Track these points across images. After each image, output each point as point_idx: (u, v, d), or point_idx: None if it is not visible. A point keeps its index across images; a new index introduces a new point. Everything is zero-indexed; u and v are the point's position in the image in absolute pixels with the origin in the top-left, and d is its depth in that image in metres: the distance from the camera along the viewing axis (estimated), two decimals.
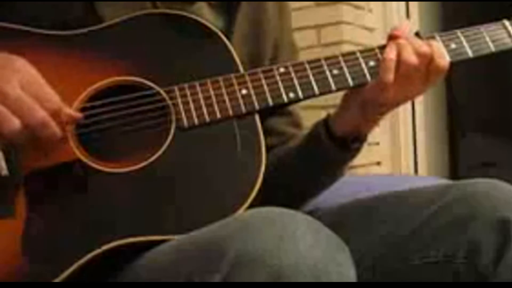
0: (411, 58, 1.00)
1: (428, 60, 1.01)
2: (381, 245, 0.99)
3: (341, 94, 1.07)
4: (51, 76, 0.91)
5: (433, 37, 1.05)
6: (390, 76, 1.00)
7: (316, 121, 1.11)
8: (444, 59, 1.02)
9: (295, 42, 1.24)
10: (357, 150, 1.09)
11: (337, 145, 1.07)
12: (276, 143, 1.16)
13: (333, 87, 1.01)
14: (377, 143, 2.69)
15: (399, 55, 1.01)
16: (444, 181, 1.26)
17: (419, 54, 1.01)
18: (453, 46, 1.05)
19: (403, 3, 2.95)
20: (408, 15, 2.95)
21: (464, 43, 1.05)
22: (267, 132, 1.05)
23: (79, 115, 0.94)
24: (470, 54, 1.05)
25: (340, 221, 1.01)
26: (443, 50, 1.04)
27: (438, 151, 3.51)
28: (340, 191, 1.14)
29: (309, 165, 1.11)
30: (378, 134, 2.69)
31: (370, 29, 2.75)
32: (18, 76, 0.88)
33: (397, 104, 1.06)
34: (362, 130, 1.08)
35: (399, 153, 2.87)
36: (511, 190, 0.96)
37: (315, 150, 1.09)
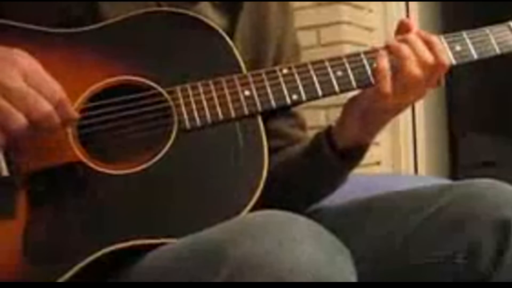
0: (416, 71, 0.98)
1: (432, 69, 0.99)
2: (381, 245, 0.99)
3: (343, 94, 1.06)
4: (52, 74, 0.90)
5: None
6: (387, 85, 0.98)
7: (317, 132, 1.09)
8: (445, 56, 1.00)
9: (298, 43, 1.23)
10: (359, 159, 1.08)
11: (339, 156, 1.05)
12: (280, 146, 1.15)
13: (337, 89, 1.00)
14: (377, 143, 2.69)
15: (403, 67, 0.98)
16: (444, 181, 1.26)
17: (424, 66, 0.98)
18: (458, 48, 1.03)
19: (403, 3, 2.95)
20: (408, 15, 2.95)
21: (470, 45, 1.03)
22: (270, 134, 1.04)
23: (76, 115, 0.92)
24: (475, 56, 1.04)
25: (340, 221, 1.01)
26: (445, 46, 1.02)
27: (438, 150, 3.50)
28: (340, 191, 1.14)
29: (310, 175, 1.10)
30: (378, 134, 2.68)
31: (370, 29, 2.75)
32: (19, 68, 0.86)
33: (399, 110, 1.04)
34: (364, 140, 1.06)
35: (399, 153, 2.87)
36: (511, 190, 0.96)
37: (316, 162, 1.07)
